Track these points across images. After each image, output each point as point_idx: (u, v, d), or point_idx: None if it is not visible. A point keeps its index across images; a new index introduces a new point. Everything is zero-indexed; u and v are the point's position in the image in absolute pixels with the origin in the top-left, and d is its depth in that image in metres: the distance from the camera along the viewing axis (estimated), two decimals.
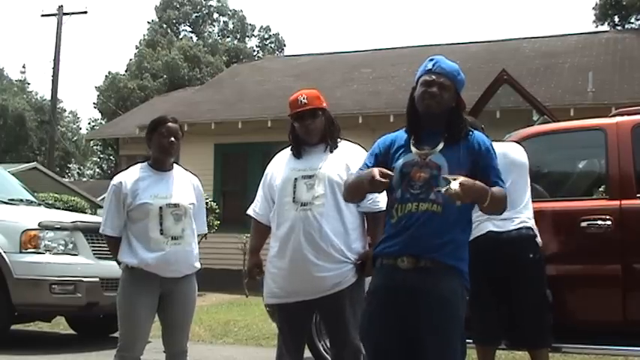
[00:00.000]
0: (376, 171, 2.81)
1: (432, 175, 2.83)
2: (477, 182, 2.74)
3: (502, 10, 75.83)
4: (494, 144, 3.10)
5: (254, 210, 3.81)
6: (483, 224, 4.23)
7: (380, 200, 3.43)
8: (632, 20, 28.12)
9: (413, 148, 2.94)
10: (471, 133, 2.95)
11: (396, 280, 2.84)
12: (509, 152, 4.39)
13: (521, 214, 4.30)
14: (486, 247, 4.14)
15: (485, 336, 4.34)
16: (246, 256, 3.90)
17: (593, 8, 28.69)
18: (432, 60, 2.97)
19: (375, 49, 18.15)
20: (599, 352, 4.94)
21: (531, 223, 4.33)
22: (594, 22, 28.56)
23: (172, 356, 3.83)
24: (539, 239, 4.34)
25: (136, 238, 3.68)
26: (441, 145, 2.89)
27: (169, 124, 3.77)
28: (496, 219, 4.22)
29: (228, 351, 6.82)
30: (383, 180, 2.79)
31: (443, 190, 2.68)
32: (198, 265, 3.84)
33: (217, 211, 12.18)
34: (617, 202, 4.56)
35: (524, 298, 4.28)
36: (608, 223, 4.49)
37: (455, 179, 2.66)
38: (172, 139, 3.75)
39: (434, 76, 2.91)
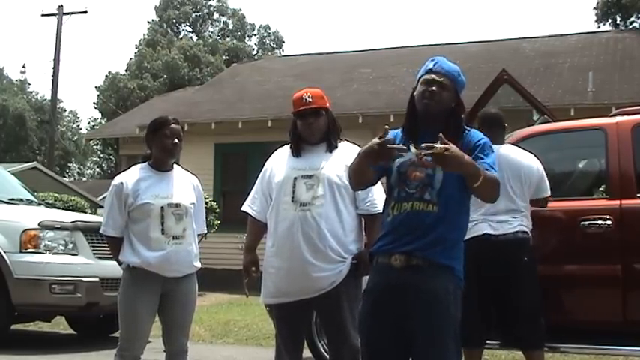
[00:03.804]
0: (376, 139, 2.75)
1: (428, 174, 2.84)
2: (468, 157, 2.71)
3: (501, 10, 75.89)
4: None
5: (251, 208, 3.79)
6: (480, 225, 4.23)
7: (378, 203, 3.44)
8: (633, 20, 28.13)
9: (411, 147, 2.95)
10: (467, 131, 2.96)
11: (390, 278, 2.85)
12: (516, 156, 4.42)
13: (519, 217, 4.32)
14: (481, 249, 4.12)
15: (466, 336, 4.30)
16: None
17: (595, 8, 28.74)
18: (433, 60, 2.98)
19: (375, 49, 18.14)
20: (599, 352, 4.95)
21: (528, 225, 4.34)
22: (595, 21, 28.64)
23: (172, 355, 3.84)
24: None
25: (137, 238, 3.70)
26: (437, 145, 2.89)
27: (173, 125, 3.79)
28: (493, 220, 4.23)
29: (228, 351, 6.82)
30: (380, 142, 2.69)
31: (425, 147, 2.63)
32: (198, 264, 3.86)
33: (217, 211, 12.16)
34: (617, 202, 4.56)
35: (519, 299, 4.28)
36: (608, 223, 4.50)
37: (445, 144, 2.61)
38: (176, 140, 3.78)
39: (434, 75, 2.92)
